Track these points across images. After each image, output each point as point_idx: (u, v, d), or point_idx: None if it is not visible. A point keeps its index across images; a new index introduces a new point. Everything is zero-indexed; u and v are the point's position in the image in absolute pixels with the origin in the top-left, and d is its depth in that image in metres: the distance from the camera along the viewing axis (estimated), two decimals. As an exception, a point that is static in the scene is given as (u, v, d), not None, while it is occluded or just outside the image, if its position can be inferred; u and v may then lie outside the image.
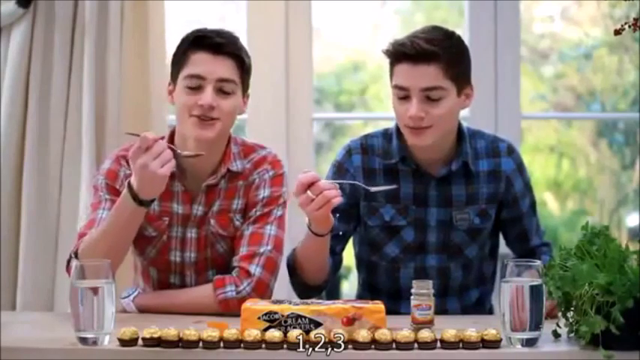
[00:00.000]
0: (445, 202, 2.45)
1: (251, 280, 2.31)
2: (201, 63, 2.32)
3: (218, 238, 2.41)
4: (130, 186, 2.19)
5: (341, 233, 2.46)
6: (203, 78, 2.32)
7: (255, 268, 2.33)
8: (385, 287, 2.51)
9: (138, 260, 2.49)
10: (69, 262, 2.33)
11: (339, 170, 2.48)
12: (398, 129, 2.45)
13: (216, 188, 2.41)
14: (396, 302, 2.42)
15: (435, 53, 2.30)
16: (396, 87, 2.35)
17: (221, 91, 2.33)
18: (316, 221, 2.24)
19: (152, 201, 2.23)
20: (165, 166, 2.16)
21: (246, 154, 2.44)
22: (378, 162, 2.47)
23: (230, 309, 2.28)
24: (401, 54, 2.32)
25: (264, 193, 2.40)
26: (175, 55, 2.39)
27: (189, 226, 2.40)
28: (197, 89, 2.32)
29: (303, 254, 2.36)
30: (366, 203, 2.47)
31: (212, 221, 2.40)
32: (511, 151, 2.52)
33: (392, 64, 2.36)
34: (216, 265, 2.42)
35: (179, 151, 2.30)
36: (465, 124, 2.51)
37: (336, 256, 2.47)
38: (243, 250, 2.36)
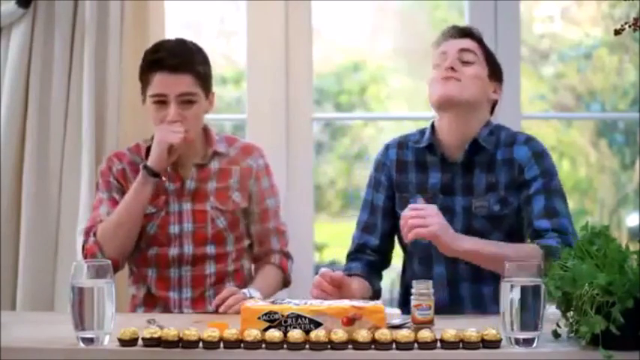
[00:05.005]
0: (468, 190, 2.56)
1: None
2: (162, 83, 2.61)
3: (218, 214, 2.66)
4: (145, 166, 2.57)
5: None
6: (165, 95, 2.60)
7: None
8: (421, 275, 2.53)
9: (136, 251, 2.66)
10: (84, 247, 2.62)
11: (377, 166, 2.70)
12: (432, 125, 2.64)
13: (207, 168, 2.69)
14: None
15: (474, 31, 2.68)
16: (442, 53, 2.62)
17: (184, 103, 2.61)
18: None
19: (158, 175, 2.57)
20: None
21: (230, 142, 2.74)
22: (410, 155, 2.65)
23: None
24: (451, 31, 2.66)
25: (265, 183, 2.72)
26: (140, 71, 2.67)
27: (184, 200, 2.66)
28: (163, 105, 2.61)
29: None
30: (399, 194, 2.63)
31: (212, 198, 2.67)
32: (529, 140, 2.59)
33: (437, 44, 2.65)
34: (215, 239, 2.65)
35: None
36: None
37: (382, 255, 2.67)
38: (279, 245, 2.74)
